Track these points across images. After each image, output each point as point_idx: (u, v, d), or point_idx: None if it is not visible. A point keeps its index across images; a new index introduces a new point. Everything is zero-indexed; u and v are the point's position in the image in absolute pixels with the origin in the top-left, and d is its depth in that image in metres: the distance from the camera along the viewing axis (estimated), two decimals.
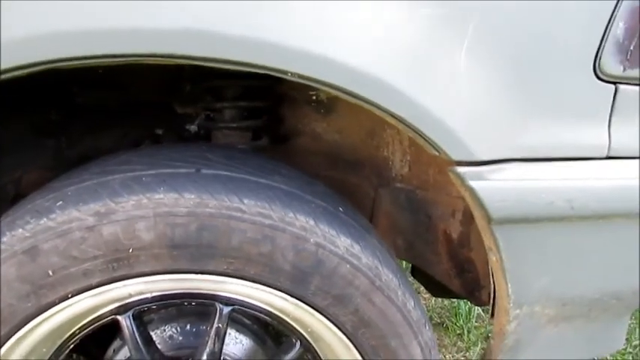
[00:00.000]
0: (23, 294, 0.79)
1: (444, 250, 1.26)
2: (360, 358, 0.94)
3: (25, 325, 0.82)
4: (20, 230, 0.78)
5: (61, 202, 0.80)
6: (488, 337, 2.16)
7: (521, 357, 1.08)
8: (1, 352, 0.84)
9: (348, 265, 0.87)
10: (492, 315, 1.07)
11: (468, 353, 2.10)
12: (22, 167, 1.21)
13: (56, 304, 0.81)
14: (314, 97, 1.26)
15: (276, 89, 1.23)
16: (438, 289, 1.44)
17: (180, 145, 1.15)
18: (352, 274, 0.87)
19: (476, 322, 2.26)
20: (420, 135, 0.81)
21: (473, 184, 0.84)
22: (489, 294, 1.21)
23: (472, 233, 1.16)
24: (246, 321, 1.08)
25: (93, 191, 0.81)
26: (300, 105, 1.28)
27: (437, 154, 0.85)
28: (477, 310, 2.29)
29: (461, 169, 0.84)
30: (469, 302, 2.12)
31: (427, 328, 0.97)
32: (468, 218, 1.16)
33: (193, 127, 1.32)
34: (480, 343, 2.14)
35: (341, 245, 0.87)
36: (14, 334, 0.82)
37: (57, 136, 1.25)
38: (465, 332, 2.17)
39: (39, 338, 0.86)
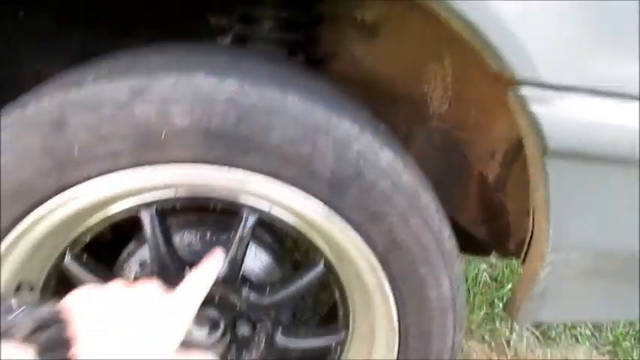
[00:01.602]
0: (45, 169, 0.74)
1: (475, 193, 1.20)
2: (386, 282, 0.89)
3: (44, 202, 0.76)
4: (47, 100, 0.73)
5: (93, 77, 0.74)
6: (493, 302, 2.13)
7: (546, 311, 1.04)
8: (18, 230, 0.79)
9: (388, 181, 0.82)
10: (524, 261, 1.02)
11: (471, 316, 2.08)
12: (44, 59, 1.15)
13: (78, 185, 0.76)
14: (358, 18, 1.18)
15: (317, 6, 1.16)
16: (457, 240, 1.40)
17: (215, 43, 1.08)
18: (392, 191, 0.82)
19: (482, 288, 2.24)
20: (487, 46, 0.75)
21: (535, 108, 0.77)
22: (517, 243, 1.17)
23: (510, 176, 1.10)
24: (267, 238, 1.04)
25: (128, 68, 0.75)
26: (342, 25, 1.20)
27: (500, 69, 0.78)
28: (485, 276, 2.26)
29: (524, 91, 0.77)
30: (481, 262, 2.07)
31: (458, 261, 0.92)
32: (509, 160, 1.10)
33: (226, 40, 1.25)
34: (484, 308, 2.11)
35: (384, 159, 0.81)
36: (31, 211, 0.77)
37: (82, 32, 1.18)
38: (471, 295, 2.14)
39: (57, 222, 0.81)
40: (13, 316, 0.51)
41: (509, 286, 2.17)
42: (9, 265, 0.83)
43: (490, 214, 1.18)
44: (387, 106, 1.30)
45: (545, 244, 0.92)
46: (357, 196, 0.81)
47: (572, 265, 0.97)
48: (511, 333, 2.00)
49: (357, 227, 0.84)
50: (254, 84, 0.75)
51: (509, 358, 1.91)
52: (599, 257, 0.99)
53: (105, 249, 1.02)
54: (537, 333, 2.01)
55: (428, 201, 0.86)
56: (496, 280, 2.27)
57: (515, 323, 2.05)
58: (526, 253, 1.01)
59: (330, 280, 0.96)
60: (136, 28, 1.24)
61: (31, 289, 0.89)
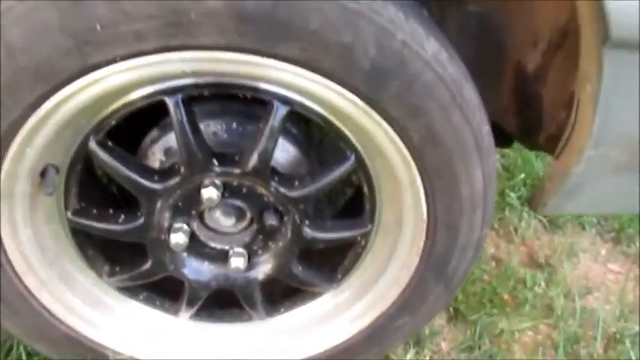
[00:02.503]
0: (65, 48, 0.68)
1: (509, 84, 1.14)
2: (418, 177, 0.88)
3: (66, 85, 0.72)
4: None
5: None
6: (503, 192, 2.14)
7: (572, 204, 1.04)
8: (37, 116, 0.76)
9: (432, 73, 0.76)
10: (557, 156, 0.99)
11: None
12: None
13: (102, 67, 0.71)
14: None
15: None
16: None
17: None
18: (435, 84, 0.77)
19: None
20: None
21: None
22: (547, 137, 1.14)
23: (552, 67, 1.04)
24: (294, 130, 1.01)
25: None
26: None
27: None
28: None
29: None
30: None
31: (493, 157, 0.90)
32: (553, 49, 1.03)
33: None
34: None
35: (429, 49, 0.75)
36: (52, 95, 0.73)
37: None
38: None
39: (79, 107, 0.77)
40: None
41: (522, 176, 2.18)
42: (34, 147, 0.81)
43: (523, 106, 1.14)
44: None
45: (586, 140, 0.89)
46: (398, 89, 0.76)
47: (610, 160, 0.95)
48: (520, 221, 2.04)
49: (394, 122, 0.80)
50: None
51: (516, 243, 1.97)
52: (638, 152, 0.96)
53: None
54: (545, 221, 2.06)
55: (470, 95, 0.81)
56: (507, 170, 2.27)
57: (523, 212, 2.09)
58: (561, 148, 0.98)
59: (359, 174, 0.94)
60: None
61: (57, 171, 0.88)
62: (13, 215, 0.87)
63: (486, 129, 0.86)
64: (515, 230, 2.03)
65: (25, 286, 0.95)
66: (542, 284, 1.67)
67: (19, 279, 0.94)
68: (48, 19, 0.66)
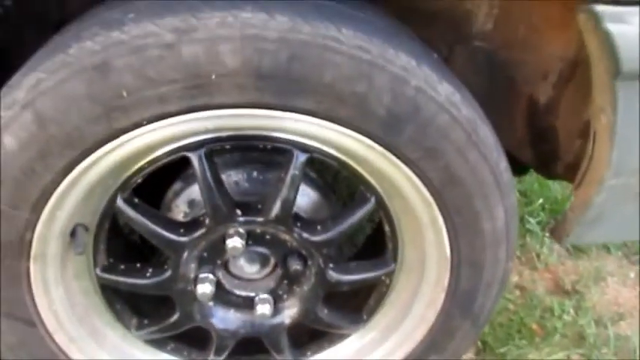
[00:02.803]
0: (93, 116, 0.71)
1: (522, 116, 1.16)
2: (440, 216, 0.88)
3: (95, 151, 0.75)
4: (89, 43, 0.69)
5: (133, 15, 0.69)
6: (522, 218, 2.13)
7: (595, 232, 1.03)
8: (67, 181, 0.78)
9: (447, 116, 0.78)
10: (577, 186, 1.00)
11: None
12: None
13: (128, 131, 0.74)
14: None
15: None
16: None
17: None
18: (450, 126, 0.79)
19: None
20: None
21: (610, 27, 0.72)
22: (565, 166, 1.14)
23: (563, 98, 1.05)
24: (313, 174, 1.03)
25: (169, 5, 0.70)
26: None
27: None
28: None
29: (598, 8, 0.71)
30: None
31: (513, 192, 0.90)
32: (563, 81, 1.04)
33: None
34: None
35: (442, 92, 0.77)
36: (82, 160, 0.76)
37: None
38: None
39: (106, 168, 0.80)
40: None
41: (540, 201, 2.17)
42: (64, 211, 0.83)
43: (538, 138, 1.15)
44: (426, 26, 1.22)
45: (606, 170, 0.90)
46: (414, 133, 0.78)
47: (631, 188, 0.95)
48: (541, 247, 2.02)
49: (412, 164, 0.82)
50: (306, 18, 0.70)
51: (540, 270, 1.94)
52: None
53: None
54: (568, 245, 2.03)
55: (486, 134, 0.83)
56: (525, 195, 2.26)
57: (544, 237, 2.07)
58: (580, 179, 0.98)
59: (380, 215, 0.95)
60: None
61: (86, 230, 0.90)
62: (45, 275, 0.89)
63: (504, 165, 0.87)
64: (538, 256, 2.00)
65: (57, 344, 0.96)
66: (571, 312, 1.64)
67: (51, 337, 0.95)
68: (76, 89, 0.69)
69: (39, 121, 0.71)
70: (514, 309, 1.76)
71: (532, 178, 2.32)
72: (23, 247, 0.83)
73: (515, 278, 1.92)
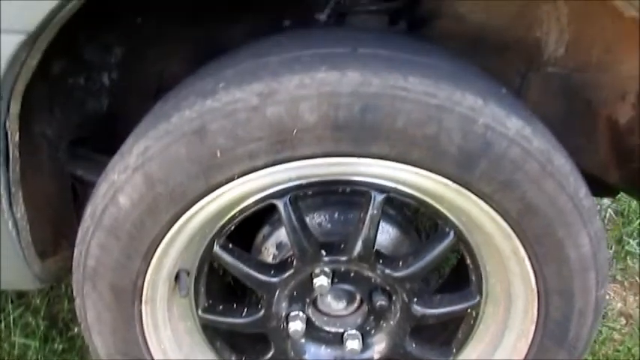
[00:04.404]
0: (193, 174, 0.81)
1: (604, 138, 1.14)
2: (521, 247, 0.89)
3: (195, 204, 0.84)
4: (187, 111, 0.79)
5: (223, 84, 0.79)
6: (621, 239, 2.02)
7: None
8: (172, 232, 0.88)
9: (518, 149, 0.80)
10: None
11: None
12: (163, 59, 1.22)
13: (223, 185, 0.83)
14: None
15: None
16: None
17: (326, 28, 1.09)
18: (522, 158, 0.80)
19: (607, 224, 2.12)
20: None
21: None
22: None
23: None
24: (391, 211, 1.07)
25: (253, 72, 0.79)
26: None
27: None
28: (609, 212, 2.14)
29: None
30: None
31: (597, 217, 0.89)
32: None
33: (323, 17, 1.24)
34: (612, 245, 2.01)
35: (511, 127, 0.79)
36: (184, 213, 0.86)
37: (195, 27, 1.23)
38: None
39: (204, 219, 0.89)
40: None
41: (639, 220, 2.04)
42: (170, 258, 0.93)
43: (623, 159, 1.12)
44: (497, 58, 1.24)
45: None
46: (487, 168, 0.81)
47: None
48: None
49: (487, 198, 0.84)
50: (375, 72, 0.76)
51: None
52: None
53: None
54: None
55: (561, 162, 0.83)
56: (622, 215, 2.14)
57: None
58: None
59: (461, 248, 0.97)
60: (238, 17, 1.27)
61: (188, 274, 1.00)
62: (155, 317, 0.99)
63: (583, 191, 0.86)
64: None
65: None
66: None
67: None
68: (178, 152, 0.79)
69: (148, 182, 0.81)
70: (620, 338, 1.66)
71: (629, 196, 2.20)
72: (136, 293, 0.93)
73: (618, 305, 1.81)
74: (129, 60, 1.19)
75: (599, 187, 1.24)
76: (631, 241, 1.97)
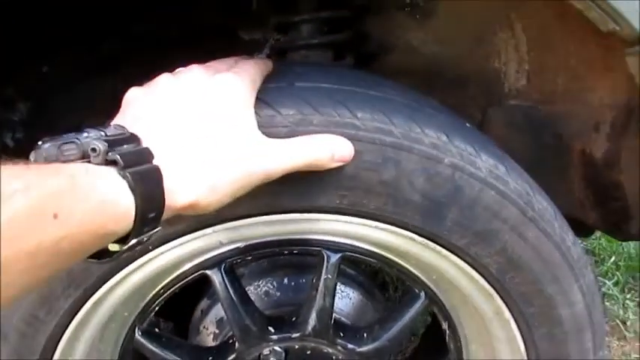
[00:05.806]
0: None
1: (578, 175, 1.03)
2: (505, 308, 0.75)
3: (101, 286, 0.67)
4: None
5: None
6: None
7: None
8: (77, 319, 0.70)
9: (493, 192, 0.67)
10: None
11: None
12: (77, 112, 1.06)
13: (136, 259, 0.66)
14: (408, 1, 1.03)
15: None
16: None
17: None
18: (499, 203, 0.67)
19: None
20: (599, 4, 0.59)
21: None
22: None
23: (624, 150, 0.93)
24: (350, 271, 0.91)
25: None
26: (390, 12, 1.05)
27: (613, 29, 0.62)
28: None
29: None
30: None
31: (589, 269, 0.76)
32: (618, 131, 0.92)
33: (262, 57, 1.12)
34: None
35: (482, 166, 0.66)
36: (89, 297, 0.68)
37: (111, 74, 1.09)
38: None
39: (119, 300, 0.71)
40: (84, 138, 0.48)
41: (612, 259, 1.95)
42: (81, 346, 0.74)
43: (603, 197, 1.01)
44: (455, 92, 1.14)
45: None
46: (458, 217, 0.67)
47: None
48: (625, 312, 1.79)
49: (461, 252, 0.70)
50: (315, 107, 0.62)
51: (629, 339, 1.70)
52: None
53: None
54: None
55: (543, 206, 0.71)
56: (594, 254, 2.05)
57: (626, 300, 1.84)
58: None
59: (435, 311, 0.82)
60: (168, 58, 1.14)
61: None
62: None
63: (571, 239, 0.73)
64: (624, 323, 1.77)
65: None
66: None
67: None
68: None
69: None
70: None
71: (598, 233, 2.12)
72: None
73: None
74: (37, 112, 1.03)
75: (576, 228, 1.13)
76: (607, 282, 1.87)
